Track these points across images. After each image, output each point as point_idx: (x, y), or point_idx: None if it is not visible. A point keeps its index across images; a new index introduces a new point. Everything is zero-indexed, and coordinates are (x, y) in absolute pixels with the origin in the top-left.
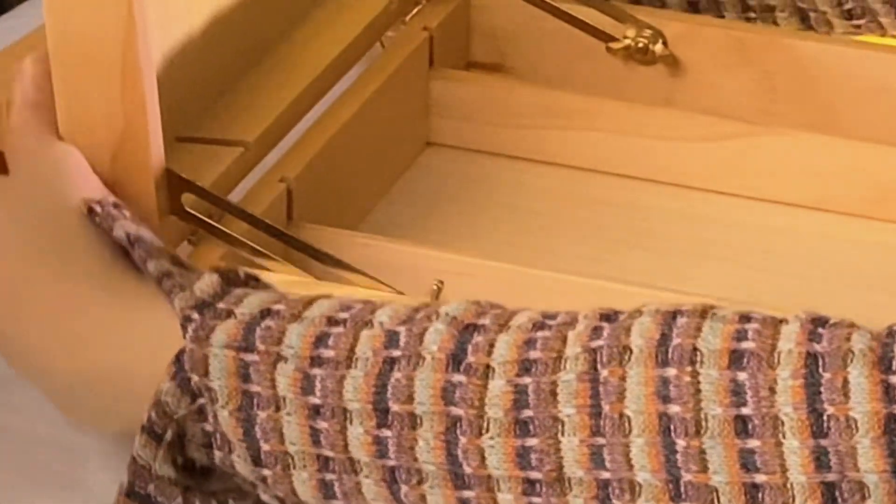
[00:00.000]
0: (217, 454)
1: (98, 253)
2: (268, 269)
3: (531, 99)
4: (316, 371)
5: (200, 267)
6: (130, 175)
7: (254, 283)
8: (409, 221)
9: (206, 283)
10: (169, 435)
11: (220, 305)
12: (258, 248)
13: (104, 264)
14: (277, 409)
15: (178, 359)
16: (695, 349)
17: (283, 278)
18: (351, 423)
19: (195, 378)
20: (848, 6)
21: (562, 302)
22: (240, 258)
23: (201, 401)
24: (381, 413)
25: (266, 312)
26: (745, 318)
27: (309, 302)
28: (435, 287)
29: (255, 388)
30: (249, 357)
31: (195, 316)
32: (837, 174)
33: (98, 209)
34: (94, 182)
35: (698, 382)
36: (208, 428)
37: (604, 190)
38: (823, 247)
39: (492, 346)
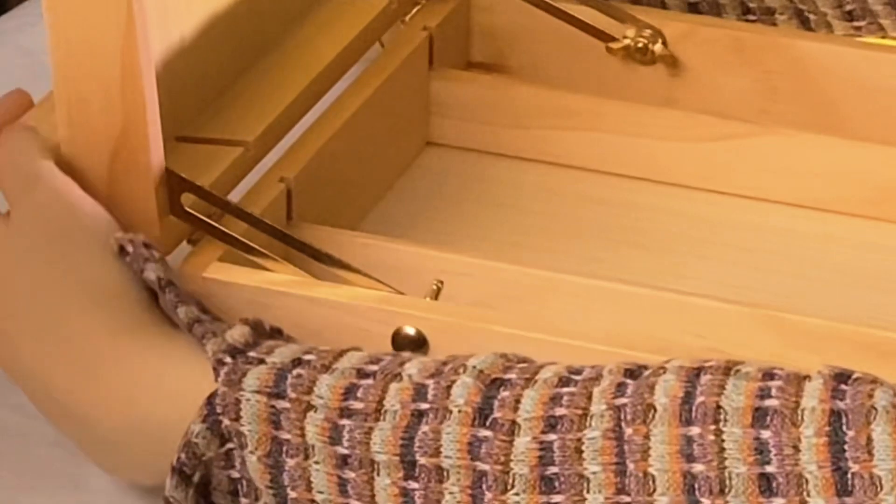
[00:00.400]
0: (243, 501)
1: (128, 296)
2: (268, 269)
3: (531, 99)
4: (345, 422)
5: (196, 270)
6: (130, 175)
7: (278, 335)
8: (409, 221)
9: (238, 333)
10: (197, 477)
11: (252, 354)
12: (258, 248)
13: (135, 309)
14: (306, 457)
15: (210, 401)
16: (718, 407)
17: (283, 278)
18: (378, 474)
19: (226, 421)
20: (848, 7)
21: (562, 302)
22: (239, 258)
23: (230, 445)
24: (409, 465)
25: (297, 362)
26: (769, 374)
27: (339, 354)
28: (434, 287)
29: (284, 434)
30: (280, 404)
31: (227, 360)
32: (837, 174)
33: (129, 248)
34: (104, 215)
35: (722, 441)
36: (234, 475)
37: (603, 190)
38: (824, 247)
39: (518, 401)
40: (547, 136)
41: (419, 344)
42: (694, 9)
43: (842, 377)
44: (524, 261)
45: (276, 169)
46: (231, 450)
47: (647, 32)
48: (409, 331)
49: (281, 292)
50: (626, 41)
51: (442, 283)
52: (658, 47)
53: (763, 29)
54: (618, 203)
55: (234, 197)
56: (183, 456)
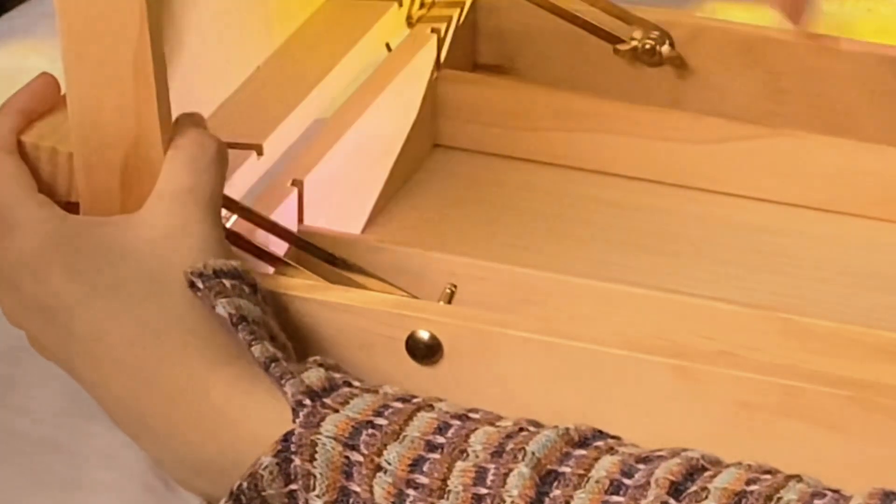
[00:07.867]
0: None
1: (207, 326)
2: (280, 273)
3: (538, 101)
4: (411, 492)
5: None
6: (143, 180)
7: (346, 382)
8: (417, 224)
9: (315, 376)
10: None
11: (328, 400)
12: (269, 251)
13: (225, 339)
14: None
15: (286, 438)
16: None
17: (296, 282)
18: None
19: (297, 462)
20: None
21: (574, 305)
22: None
23: (293, 487)
24: None
25: (369, 424)
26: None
27: (410, 416)
28: (448, 290)
29: (355, 487)
30: (354, 456)
31: (307, 402)
32: (845, 176)
33: (199, 284)
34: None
35: None
36: None
37: (611, 192)
38: (832, 249)
39: (568, 503)
40: (555, 138)
41: (433, 348)
42: None
43: (887, 498)
44: (532, 263)
45: (287, 171)
46: (294, 491)
47: (655, 34)
48: (423, 335)
49: (294, 296)
50: (634, 43)
51: (455, 286)
52: (665, 49)
53: (771, 30)
54: (626, 205)
55: (245, 200)
56: (245, 484)
